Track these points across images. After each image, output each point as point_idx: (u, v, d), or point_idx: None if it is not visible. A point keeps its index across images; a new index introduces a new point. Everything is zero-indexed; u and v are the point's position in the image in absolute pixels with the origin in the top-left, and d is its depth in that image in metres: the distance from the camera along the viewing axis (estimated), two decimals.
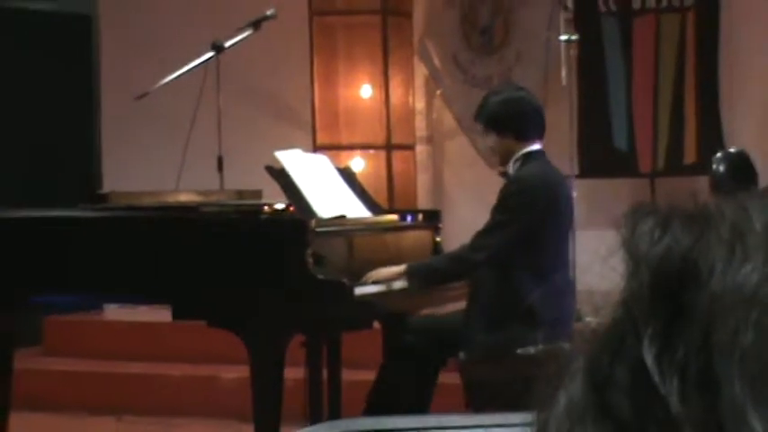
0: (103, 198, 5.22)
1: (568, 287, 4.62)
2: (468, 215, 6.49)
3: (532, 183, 4.51)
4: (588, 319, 4.96)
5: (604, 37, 7.08)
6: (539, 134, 4.60)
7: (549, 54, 6.89)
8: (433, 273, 4.59)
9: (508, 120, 4.53)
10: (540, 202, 4.47)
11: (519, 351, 4.40)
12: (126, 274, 4.52)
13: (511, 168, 4.59)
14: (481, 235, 4.52)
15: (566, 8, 6.47)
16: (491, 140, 4.61)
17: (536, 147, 4.58)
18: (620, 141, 7.13)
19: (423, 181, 7.70)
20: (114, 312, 7.20)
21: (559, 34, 6.46)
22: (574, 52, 6.48)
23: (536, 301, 4.43)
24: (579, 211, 6.25)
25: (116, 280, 4.56)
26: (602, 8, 7.11)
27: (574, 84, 6.68)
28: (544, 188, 4.52)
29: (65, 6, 8.55)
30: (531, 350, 4.37)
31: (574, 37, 6.43)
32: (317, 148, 7.11)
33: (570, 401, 0.61)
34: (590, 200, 7.10)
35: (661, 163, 7.06)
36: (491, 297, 4.51)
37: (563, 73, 6.39)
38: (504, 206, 4.51)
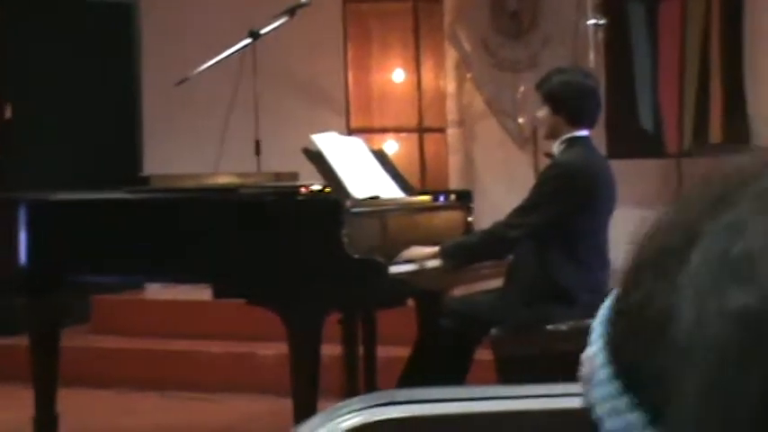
0: (145, 181, 5.29)
1: (605, 269, 4.62)
2: (498, 195, 6.56)
3: (573, 170, 4.54)
4: None
5: (631, 21, 7.12)
6: (590, 122, 4.65)
7: (576, 38, 6.94)
8: (466, 250, 4.59)
9: (565, 101, 4.58)
10: (578, 189, 4.51)
11: (549, 327, 4.45)
12: (168, 255, 4.57)
13: (555, 149, 4.63)
14: (517, 213, 4.54)
15: None
16: (543, 113, 4.65)
17: (584, 133, 4.62)
18: (646, 122, 7.17)
19: (454, 163, 7.74)
20: (156, 292, 7.25)
21: (587, 18, 6.48)
22: (601, 36, 6.52)
23: (572, 283, 4.49)
24: None
25: (159, 260, 4.62)
26: None
27: (601, 67, 6.74)
28: (583, 176, 4.54)
29: None
30: (563, 327, 4.44)
31: (601, 21, 6.47)
32: (350, 132, 7.13)
33: (708, 262, 0.59)
34: (618, 181, 7.16)
35: (687, 143, 7.08)
36: (528, 278, 4.55)
37: (591, 56, 6.44)
38: (542, 188, 4.55)
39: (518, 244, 4.54)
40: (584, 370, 0.66)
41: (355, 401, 1.14)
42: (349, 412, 1.11)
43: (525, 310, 4.53)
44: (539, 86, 4.74)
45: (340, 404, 1.12)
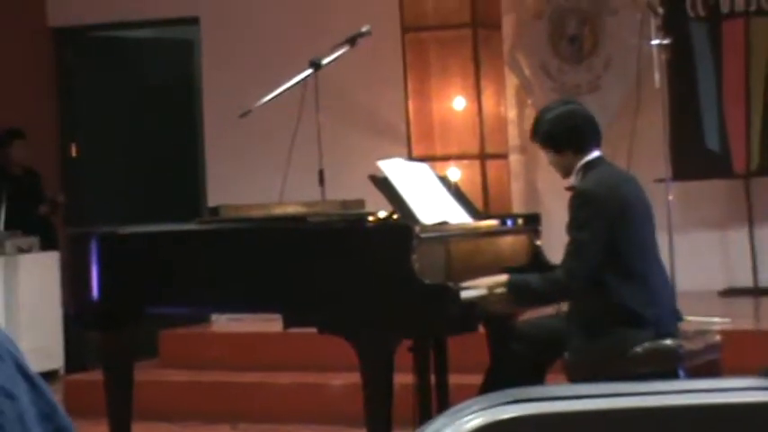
0: (215, 211, 5.30)
1: (665, 285, 4.55)
2: (561, 221, 6.50)
3: (594, 192, 4.46)
4: (689, 318, 4.97)
5: (694, 41, 7.09)
6: (596, 142, 4.57)
7: (640, 59, 6.90)
8: (531, 295, 4.52)
9: (563, 136, 4.53)
10: (606, 208, 4.43)
11: (626, 353, 4.35)
12: (240, 285, 4.57)
13: (574, 181, 4.57)
14: (569, 259, 4.45)
15: (656, 14, 6.43)
16: (550, 157, 4.62)
17: (595, 154, 4.55)
18: (712, 143, 7.11)
19: (516, 189, 7.73)
20: (223, 325, 7.29)
21: (649, 39, 6.43)
22: (665, 57, 6.49)
23: (631, 301, 4.40)
24: (674, 213, 6.24)
25: (231, 291, 4.61)
26: (691, 13, 7.12)
27: (665, 87, 6.68)
28: (606, 194, 4.46)
29: (168, 33, 8.75)
30: (638, 350, 4.36)
31: (665, 41, 6.42)
32: (412, 160, 7.19)
33: None
34: (685, 202, 7.08)
35: (755, 163, 7.02)
36: (588, 305, 4.48)
37: (656, 77, 6.39)
38: (577, 223, 4.47)
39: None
40: None
41: (478, 401, 1.13)
42: (472, 412, 1.10)
43: (591, 335, 4.46)
44: (533, 137, 4.71)
45: (462, 404, 1.12)
